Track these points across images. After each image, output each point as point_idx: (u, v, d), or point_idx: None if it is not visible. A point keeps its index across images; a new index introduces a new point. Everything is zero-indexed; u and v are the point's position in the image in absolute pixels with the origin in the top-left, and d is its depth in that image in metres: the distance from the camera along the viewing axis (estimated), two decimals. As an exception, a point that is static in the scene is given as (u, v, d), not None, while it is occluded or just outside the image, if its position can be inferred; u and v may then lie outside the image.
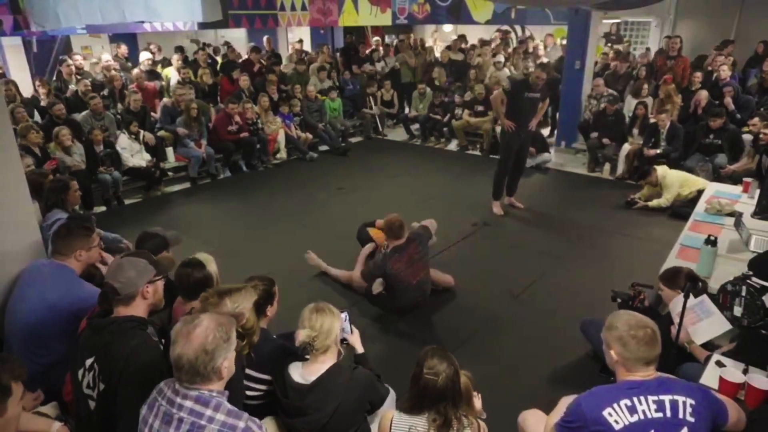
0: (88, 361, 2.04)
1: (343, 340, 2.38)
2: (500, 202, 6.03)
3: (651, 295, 3.26)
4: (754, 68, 8.05)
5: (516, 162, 5.95)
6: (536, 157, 7.54)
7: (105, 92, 7.73)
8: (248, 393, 2.26)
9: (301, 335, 2.16)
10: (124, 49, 9.68)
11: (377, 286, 3.94)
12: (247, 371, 2.25)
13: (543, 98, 5.82)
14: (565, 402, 2.00)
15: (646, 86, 7.54)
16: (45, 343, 2.61)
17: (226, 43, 10.44)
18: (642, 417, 1.73)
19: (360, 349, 2.49)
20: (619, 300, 3.22)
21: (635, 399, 1.76)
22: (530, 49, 10.81)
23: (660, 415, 1.73)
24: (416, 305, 4.03)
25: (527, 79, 5.85)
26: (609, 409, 1.75)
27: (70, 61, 8.51)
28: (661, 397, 1.76)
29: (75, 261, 2.77)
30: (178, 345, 1.66)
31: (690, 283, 2.84)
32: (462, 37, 11.34)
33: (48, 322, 2.58)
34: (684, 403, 1.76)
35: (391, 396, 2.44)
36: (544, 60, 10.20)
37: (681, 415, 1.74)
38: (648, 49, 9.78)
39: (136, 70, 8.43)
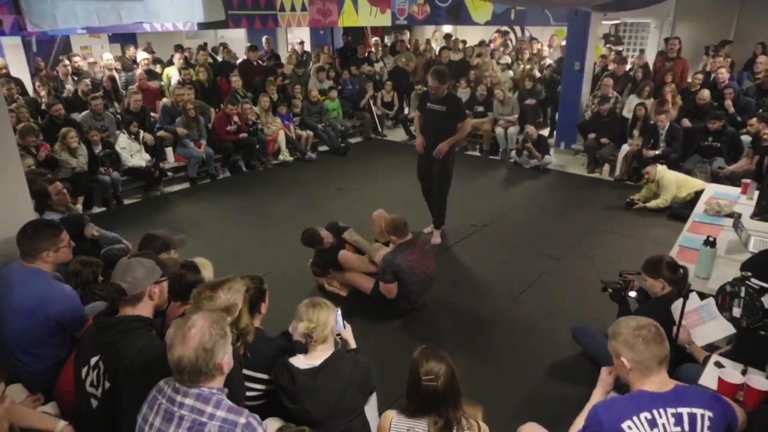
0: (93, 359, 2.04)
1: (337, 335, 2.41)
2: (438, 230, 5.26)
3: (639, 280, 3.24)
4: (747, 71, 8.07)
5: (426, 189, 5.13)
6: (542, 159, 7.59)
7: (101, 92, 7.71)
8: (248, 393, 2.26)
9: (300, 327, 2.21)
10: (133, 51, 9.68)
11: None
12: (245, 372, 2.25)
13: (453, 115, 4.76)
14: (589, 407, 2.00)
15: (648, 87, 7.54)
16: (29, 350, 2.54)
17: (223, 44, 10.44)
18: (662, 431, 1.71)
19: (353, 344, 2.53)
20: (609, 290, 3.19)
21: (655, 412, 1.73)
22: (535, 51, 10.84)
23: (678, 429, 1.72)
24: (421, 297, 4.08)
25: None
26: (629, 422, 1.72)
27: (66, 62, 8.51)
28: (680, 409, 1.74)
29: (43, 262, 2.64)
30: (176, 348, 1.66)
31: (670, 271, 2.94)
32: (454, 40, 11.39)
33: (27, 330, 2.51)
34: (702, 416, 1.74)
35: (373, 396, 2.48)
36: (548, 62, 10.23)
37: (699, 429, 1.73)
38: (642, 51, 9.80)
39: (139, 71, 8.43)
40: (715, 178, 6.09)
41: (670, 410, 1.74)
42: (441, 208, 5.14)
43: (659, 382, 1.82)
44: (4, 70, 8.00)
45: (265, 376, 2.30)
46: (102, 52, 10.14)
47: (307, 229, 4.29)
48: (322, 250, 4.31)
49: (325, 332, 2.23)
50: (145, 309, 2.13)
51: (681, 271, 2.97)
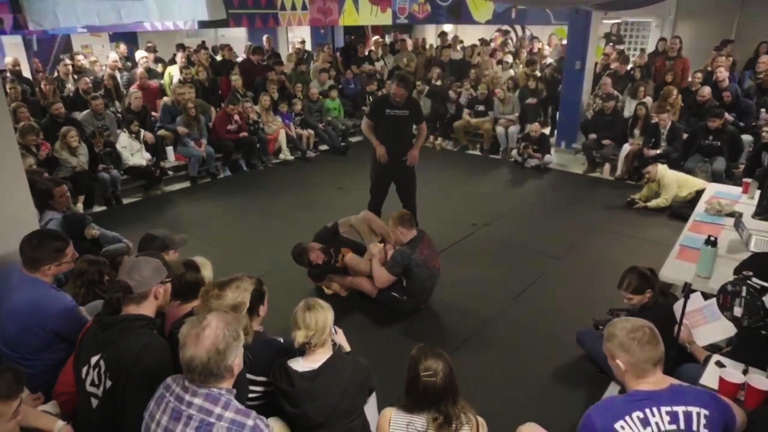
0: (94, 359, 2.03)
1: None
2: None
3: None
4: (749, 70, 8.05)
5: (380, 201, 5.14)
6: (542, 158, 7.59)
7: (101, 91, 7.70)
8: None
9: (299, 337, 2.19)
10: (123, 48, 9.67)
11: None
12: None
13: (415, 118, 4.92)
14: None
15: (643, 88, 7.53)
16: (25, 356, 2.52)
17: (226, 45, 10.44)
18: (655, 430, 1.70)
19: (347, 348, 2.52)
20: (600, 327, 3.25)
21: (647, 411, 1.72)
22: (535, 50, 10.82)
23: (674, 427, 1.71)
24: (428, 298, 4.09)
25: (389, 94, 4.86)
26: (621, 422, 1.71)
27: (67, 61, 8.49)
28: (675, 408, 1.73)
29: (43, 275, 2.60)
30: (188, 347, 1.65)
31: (642, 279, 3.05)
32: (453, 37, 11.38)
33: (23, 337, 2.50)
34: (698, 414, 1.73)
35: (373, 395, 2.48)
36: (548, 61, 10.22)
37: (695, 427, 1.71)
38: (643, 50, 9.79)
39: (139, 69, 8.43)
40: (716, 178, 6.07)
41: (665, 409, 1.73)
42: (414, 211, 5.12)
43: (654, 382, 1.81)
44: (17, 68, 7.95)
45: (264, 379, 2.29)
46: (103, 51, 10.14)
47: (297, 245, 4.27)
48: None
49: (323, 336, 2.22)
50: (148, 308, 2.13)
51: (649, 273, 3.07)
